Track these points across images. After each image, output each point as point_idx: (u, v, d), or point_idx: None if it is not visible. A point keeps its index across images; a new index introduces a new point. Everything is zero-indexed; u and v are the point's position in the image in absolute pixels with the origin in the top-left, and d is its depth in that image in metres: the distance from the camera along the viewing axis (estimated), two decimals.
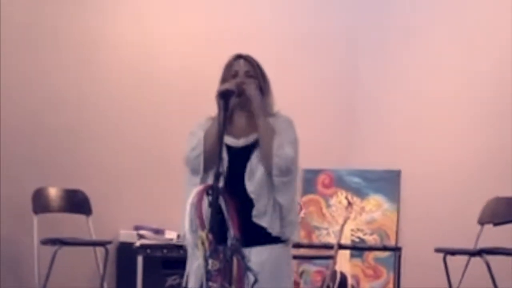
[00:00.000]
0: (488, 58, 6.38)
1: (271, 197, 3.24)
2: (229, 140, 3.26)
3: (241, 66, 3.34)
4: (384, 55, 7.11)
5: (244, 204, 3.15)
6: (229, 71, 3.35)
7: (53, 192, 5.76)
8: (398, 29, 7.07)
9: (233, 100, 3.26)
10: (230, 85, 3.26)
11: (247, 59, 3.35)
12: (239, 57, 3.36)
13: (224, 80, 3.34)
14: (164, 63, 6.36)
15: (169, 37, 6.41)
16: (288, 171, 3.23)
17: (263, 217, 3.21)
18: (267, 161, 3.21)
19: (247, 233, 3.10)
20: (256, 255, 3.16)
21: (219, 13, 6.65)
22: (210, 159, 3.21)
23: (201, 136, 3.28)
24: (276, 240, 3.26)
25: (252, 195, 3.21)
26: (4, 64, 5.64)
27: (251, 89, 3.26)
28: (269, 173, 3.22)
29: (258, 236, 3.21)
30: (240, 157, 3.26)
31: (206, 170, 3.25)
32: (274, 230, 3.25)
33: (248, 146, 3.30)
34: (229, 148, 3.27)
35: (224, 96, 3.19)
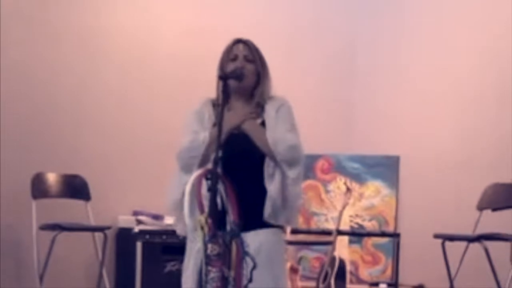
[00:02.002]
0: (488, 42, 6.38)
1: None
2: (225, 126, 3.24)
3: (241, 50, 3.34)
4: (382, 41, 7.12)
5: (242, 188, 3.14)
6: (228, 55, 3.35)
7: (52, 178, 5.76)
8: (395, 17, 7.06)
9: (232, 83, 3.26)
10: (233, 68, 3.28)
11: (247, 44, 3.36)
12: (238, 41, 3.37)
13: (222, 64, 3.34)
14: (163, 50, 6.37)
15: (165, 25, 6.41)
16: (294, 160, 3.24)
17: (277, 217, 3.25)
18: (270, 153, 3.22)
19: (245, 217, 3.10)
20: (252, 240, 3.16)
21: (215, 1, 6.64)
22: (206, 163, 3.22)
23: (198, 136, 3.26)
24: (268, 225, 3.26)
25: (274, 196, 3.21)
26: (3, 53, 5.63)
27: (250, 125, 3.27)
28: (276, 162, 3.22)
29: (253, 221, 3.20)
30: (235, 142, 3.25)
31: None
32: (280, 222, 3.28)
33: (244, 132, 3.30)
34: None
35: (226, 78, 3.21)
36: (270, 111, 3.30)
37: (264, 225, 3.24)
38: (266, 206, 3.22)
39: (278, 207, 3.22)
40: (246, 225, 3.11)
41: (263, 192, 3.24)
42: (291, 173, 3.23)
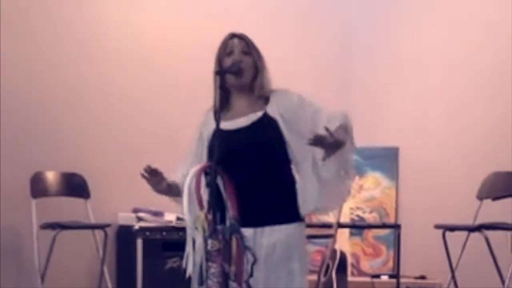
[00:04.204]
0: (486, 29, 6.37)
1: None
2: (226, 124, 3.23)
3: (236, 44, 3.32)
4: (380, 32, 7.09)
5: (250, 184, 3.14)
6: (224, 50, 3.33)
7: (51, 176, 5.75)
8: (393, 6, 7.04)
9: (231, 79, 3.25)
10: (231, 62, 3.27)
11: (241, 37, 3.34)
12: (233, 36, 3.35)
13: (219, 59, 3.33)
14: (163, 46, 6.34)
15: (165, 19, 6.40)
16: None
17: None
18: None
19: (256, 214, 3.11)
20: (268, 236, 3.16)
21: None
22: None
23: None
24: (286, 220, 3.22)
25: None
26: (2, 51, 5.62)
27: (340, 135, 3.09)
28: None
29: (267, 216, 3.19)
30: (238, 139, 3.24)
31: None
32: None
33: (246, 127, 3.28)
34: (227, 132, 3.23)
35: (224, 73, 3.20)
36: (275, 105, 3.27)
37: (281, 220, 3.21)
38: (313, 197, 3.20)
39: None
40: (261, 220, 3.13)
41: (275, 184, 3.22)
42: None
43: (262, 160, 3.22)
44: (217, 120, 3.10)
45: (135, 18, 6.27)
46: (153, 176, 3.32)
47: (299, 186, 3.24)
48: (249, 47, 3.31)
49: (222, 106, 3.22)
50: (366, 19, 7.15)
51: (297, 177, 3.26)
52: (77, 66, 6.00)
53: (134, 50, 6.24)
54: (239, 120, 3.28)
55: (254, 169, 3.20)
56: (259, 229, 3.13)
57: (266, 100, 3.29)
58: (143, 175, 3.34)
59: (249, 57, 3.30)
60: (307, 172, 3.20)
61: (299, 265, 3.21)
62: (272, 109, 3.25)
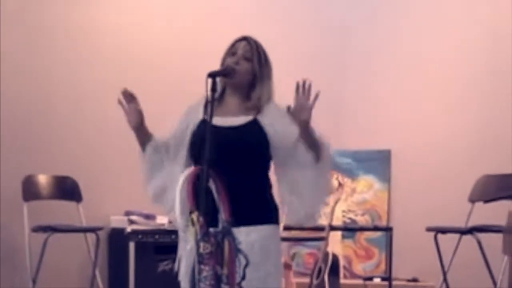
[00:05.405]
0: (483, 33, 6.37)
1: None
2: (216, 120, 3.22)
3: (241, 47, 3.32)
4: (373, 34, 7.08)
5: (231, 183, 3.13)
6: (230, 49, 3.34)
7: (43, 179, 5.74)
8: (389, 4, 7.04)
9: (223, 81, 3.25)
10: (228, 63, 3.27)
11: (249, 42, 3.34)
12: (243, 38, 3.36)
13: (223, 57, 3.35)
14: (158, 50, 6.34)
15: (161, 21, 6.41)
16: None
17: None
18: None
19: (234, 213, 3.09)
20: (245, 235, 3.15)
21: None
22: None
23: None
24: (264, 221, 3.23)
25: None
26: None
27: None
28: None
29: (245, 216, 3.19)
30: (227, 136, 3.23)
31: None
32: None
33: (236, 126, 3.28)
34: (216, 127, 3.22)
35: (215, 76, 3.19)
36: (266, 114, 3.27)
37: (258, 221, 3.22)
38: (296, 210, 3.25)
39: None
40: (239, 220, 3.10)
41: (256, 186, 3.24)
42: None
43: (245, 160, 3.22)
44: (210, 118, 3.09)
45: (131, 21, 6.27)
46: (130, 102, 3.58)
47: (284, 198, 3.27)
48: (252, 53, 3.31)
49: (214, 100, 3.19)
50: (360, 24, 7.14)
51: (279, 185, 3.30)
52: (70, 69, 6.00)
53: (129, 53, 6.24)
54: (230, 119, 3.28)
55: (236, 167, 3.19)
56: (234, 229, 3.10)
57: (259, 109, 3.30)
58: (119, 101, 3.57)
59: (248, 63, 3.30)
60: (293, 179, 3.24)
61: (275, 268, 3.23)
62: (262, 118, 3.27)
